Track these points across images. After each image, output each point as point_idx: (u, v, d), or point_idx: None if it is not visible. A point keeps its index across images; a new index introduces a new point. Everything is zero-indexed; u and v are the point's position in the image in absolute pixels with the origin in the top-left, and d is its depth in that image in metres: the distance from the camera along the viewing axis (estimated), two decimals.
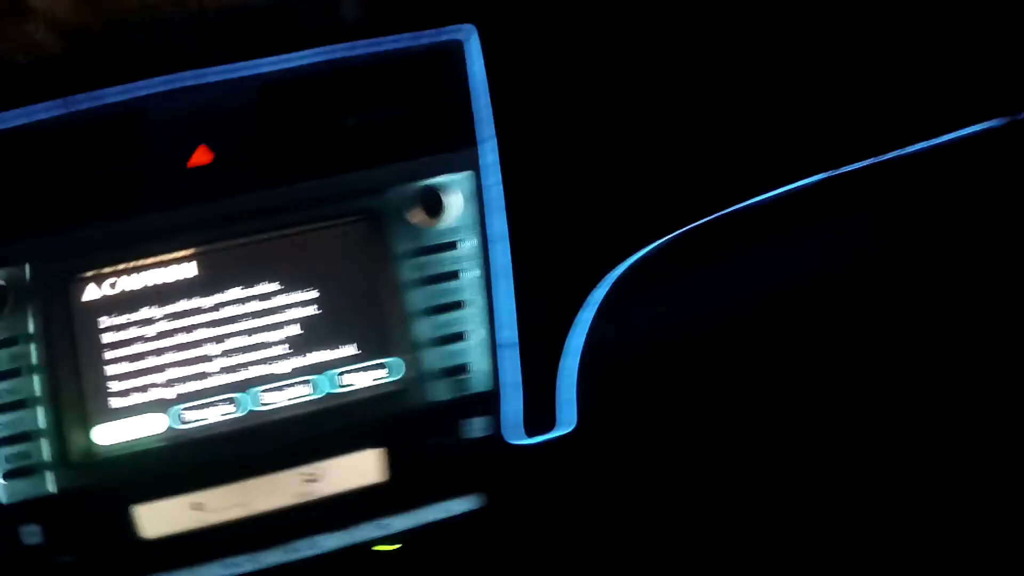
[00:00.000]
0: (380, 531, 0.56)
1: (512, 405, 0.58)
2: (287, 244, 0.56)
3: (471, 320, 0.57)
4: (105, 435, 0.53)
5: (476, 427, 0.57)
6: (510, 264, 0.58)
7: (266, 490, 0.55)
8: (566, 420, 0.59)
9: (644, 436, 0.61)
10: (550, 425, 0.58)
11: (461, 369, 0.57)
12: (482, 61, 0.59)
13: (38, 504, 0.52)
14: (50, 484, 0.52)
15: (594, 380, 0.58)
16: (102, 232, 0.55)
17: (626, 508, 0.61)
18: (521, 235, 0.58)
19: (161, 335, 0.54)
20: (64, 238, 0.54)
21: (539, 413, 0.58)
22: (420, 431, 0.56)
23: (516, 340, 0.57)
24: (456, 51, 0.59)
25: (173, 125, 0.56)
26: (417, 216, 0.58)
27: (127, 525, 0.53)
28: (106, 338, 0.54)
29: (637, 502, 0.61)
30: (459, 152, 0.58)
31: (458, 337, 0.57)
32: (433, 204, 0.58)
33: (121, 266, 0.55)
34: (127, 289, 0.54)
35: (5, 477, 0.52)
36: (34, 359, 0.53)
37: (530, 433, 0.58)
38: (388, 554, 0.57)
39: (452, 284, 0.57)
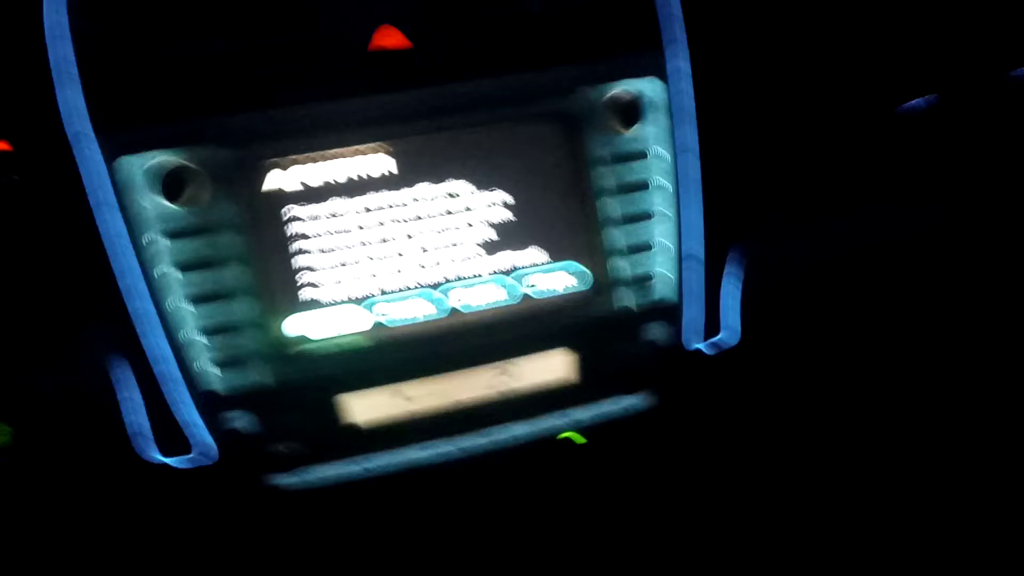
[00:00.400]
0: (565, 422, 0.60)
1: (693, 314, 0.61)
2: (478, 141, 0.57)
3: (659, 230, 0.59)
4: (307, 328, 0.55)
5: (657, 333, 0.60)
6: (699, 176, 0.59)
7: (464, 383, 0.58)
8: (735, 332, 0.62)
9: (799, 355, 0.65)
10: (720, 334, 0.61)
11: (646, 278, 0.59)
12: None
13: (253, 394, 0.54)
14: (264, 375, 0.54)
15: (760, 297, 0.61)
16: (291, 118, 0.54)
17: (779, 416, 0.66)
18: (710, 147, 0.58)
19: (356, 229, 0.55)
20: (254, 123, 0.54)
21: (712, 323, 0.61)
22: (605, 335, 0.59)
23: (702, 252, 0.59)
24: None
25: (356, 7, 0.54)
26: (609, 122, 0.58)
27: (337, 413, 0.56)
28: (301, 228, 0.54)
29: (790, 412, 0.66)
30: (650, 56, 0.58)
31: (645, 247, 0.59)
32: (626, 111, 0.58)
33: (312, 155, 0.54)
34: (319, 179, 0.54)
35: (221, 367, 0.54)
36: (235, 248, 0.53)
37: (705, 340, 0.61)
38: (573, 445, 0.62)
39: (641, 194, 0.59)
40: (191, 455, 0.55)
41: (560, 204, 0.58)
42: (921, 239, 0.66)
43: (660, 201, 0.59)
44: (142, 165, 0.51)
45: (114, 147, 0.51)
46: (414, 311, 0.57)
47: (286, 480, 0.57)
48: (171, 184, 0.52)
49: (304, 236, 0.54)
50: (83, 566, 0.60)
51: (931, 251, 0.67)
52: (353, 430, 0.57)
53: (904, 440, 0.69)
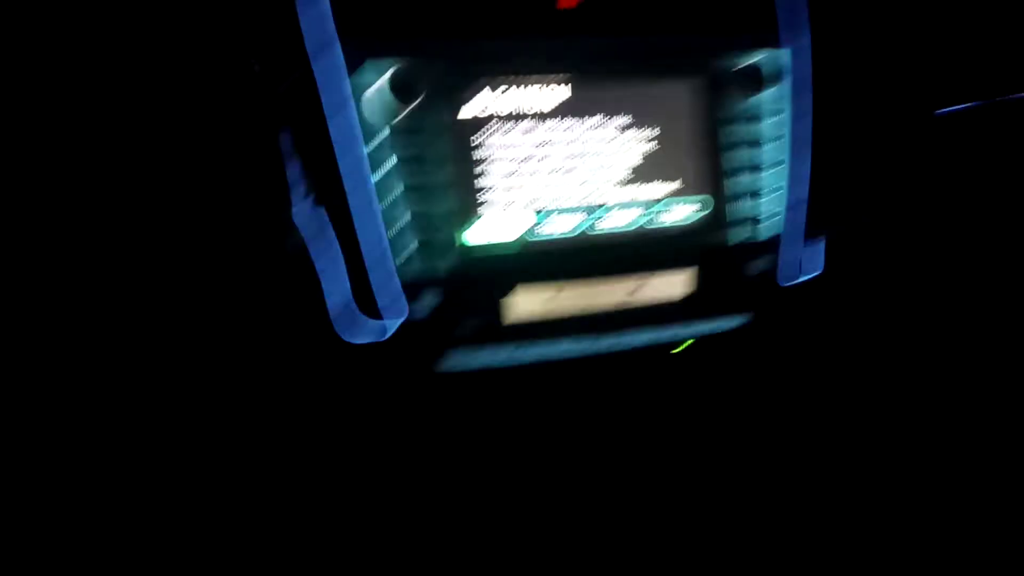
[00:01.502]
0: (682, 332, 0.73)
1: (792, 252, 0.74)
2: (635, 88, 0.67)
3: (773, 179, 0.71)
4: (480, 232, 0.65)
5: (761, 265, 0.73)
6: (810, 137, 0.71)
7: (603, 292, 0.69)
8: (817, 266, 0.75)
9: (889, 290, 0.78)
10: (813, 268, 0.74)
11: (758, 217, 0.72)
12: None
13: (432, 283, 0.64)
14: (442, 267, 0.64)
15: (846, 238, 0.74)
16: (498, 49, 0.64)
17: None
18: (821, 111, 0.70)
19: (533, 149, 0.65)
20: (471, 49, 0.63)
21: (808, 259, 0.74)
22: (721, 260, 0.71)
23: (806, 200, 0.71)
24: None
25: None
26: (740, 87, 0.69)
27: (501, 306, 0.67)
28: (489, 143, 0.64)
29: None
30: (775, 34, 0.70)
31: (764, 191, 0.71)
32: (753, 79, 0.69)
33: (509, 80, 0.64)
34: (508, 101, 0.64)
35: (423, 261, 0.63)
36: (439, 151, 0.62)
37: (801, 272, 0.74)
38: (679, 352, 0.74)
39: (766, 147, 0.71)
40: (398, 319, 0.64)
41: (695, 150, 0.69)
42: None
43: (779, 152, 0.71)
44: (383, 69, 0.60)
45: (360, 51, 0.60)
46: (564, 226, 0.67)
47: (452, 364, 0.68)
48: (404, 88, 0.60)
49: (488, 151, 0.64)
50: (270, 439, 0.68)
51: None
52: (510, 322, 0.68)
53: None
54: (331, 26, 0.59)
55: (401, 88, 0.61)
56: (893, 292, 0.77)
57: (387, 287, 0.64)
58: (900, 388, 0.79)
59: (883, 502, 0.75)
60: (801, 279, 0.74)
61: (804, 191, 0.72)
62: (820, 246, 0.74)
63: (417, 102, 0.61)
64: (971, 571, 0.73)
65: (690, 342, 0.73)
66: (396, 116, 0.61)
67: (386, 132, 0.62)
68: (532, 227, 0.66)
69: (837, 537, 0.73)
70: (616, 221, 0.68)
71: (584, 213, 0.68)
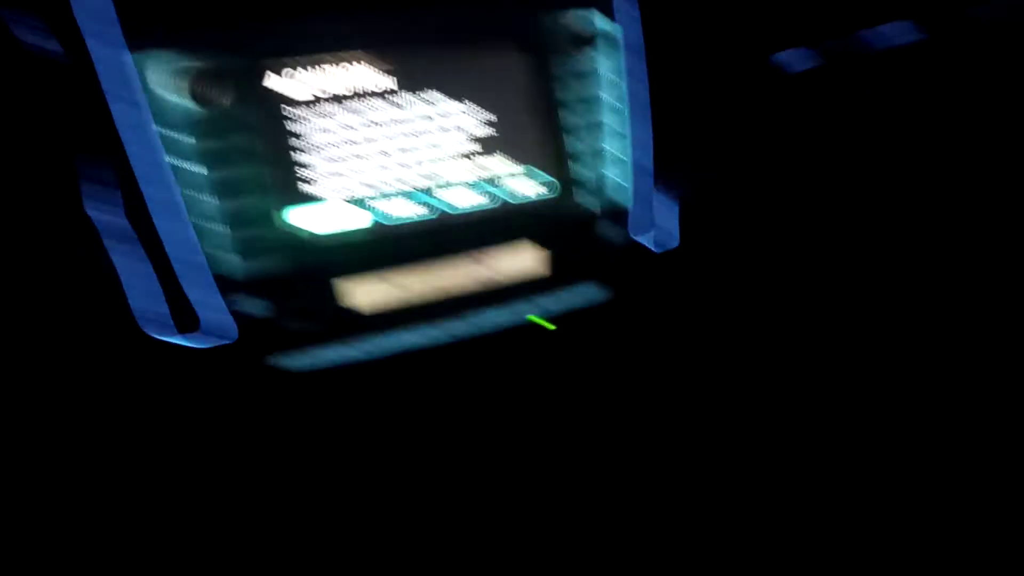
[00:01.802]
0: (536, 309, 0.71)
1: (640, 216, 0.72)
2: (454, 58, 0.65)
3: (613, 143, 0.70)
4: (313, 222, 0.62)
5: (611, 232, 0.71)
6: (648, 97, 0.70)
7: (456, 274, 0.66)
8: (673, 235, 0.74)
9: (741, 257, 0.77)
10: (668, 240, 0.73)
11: (602, 184, 0.70)
12: None
13: (263, 280, 0.60)
14: (276, 263, 0.60)
15: (698, 207, 0.74)
16: (296, 31, 0.60)
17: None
18: (660, 72, 0.70)
19: (356, 133, 0.62)
20: (265, 33, 0.59)
21: (660, 230, 0.73)
22: (569, 232, 0.69)
23: (650, 163, 0.71)
24: None
25: None
26: (569, 46, 0.68)
27: (339, 298, 0.63)
28: (309, 131, 0.61)
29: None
30: None
31: (602, 157, 0.70)
32: (581, 36, 0.68)
33: (312, 62, 0.61)
34: (324, 85, 0.61)
35: (236, 254, 0.59)
36: (250, 146, 0.59)
37: (650, 240, 0.73)
38: (542, 331, 0.71)
39: (598, 110, 0.69)
40: (208, 335, 0.60)
41: (531, 122, 0.67)
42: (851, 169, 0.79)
43: (613, 117, 0.70)
44: (168, 65, 0.56)
45: (142, 44, 0.56)
46: (407, 210, 0.64)
47: (295, 362, 0.64)
48: (194, 84, 0.57)
49: (308, 137, 0.61)
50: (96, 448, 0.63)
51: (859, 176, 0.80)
52: (354, 314, 0.64)
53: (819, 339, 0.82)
54: (113, 13, 0.55)
55: (197, 78, 0.57)
56: (751, 259, 0.78)
57: (200, 284, 0.59)
58: (762, 358, 0.80)
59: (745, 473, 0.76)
60: (657, 250, 0.74)
61: (648, 157, 0.71)
62: (672, 214, 0.74)
63: (217, 91, 0.57)
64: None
65: (547, 323, 0.71)
66: (197, 105, 0.57)
67: (188, 123, 0.57)
68: (365, 212, 0.63)
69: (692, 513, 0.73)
70: (456, 200, 0.66)
71: (422, 194, 0.65)
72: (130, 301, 0.58)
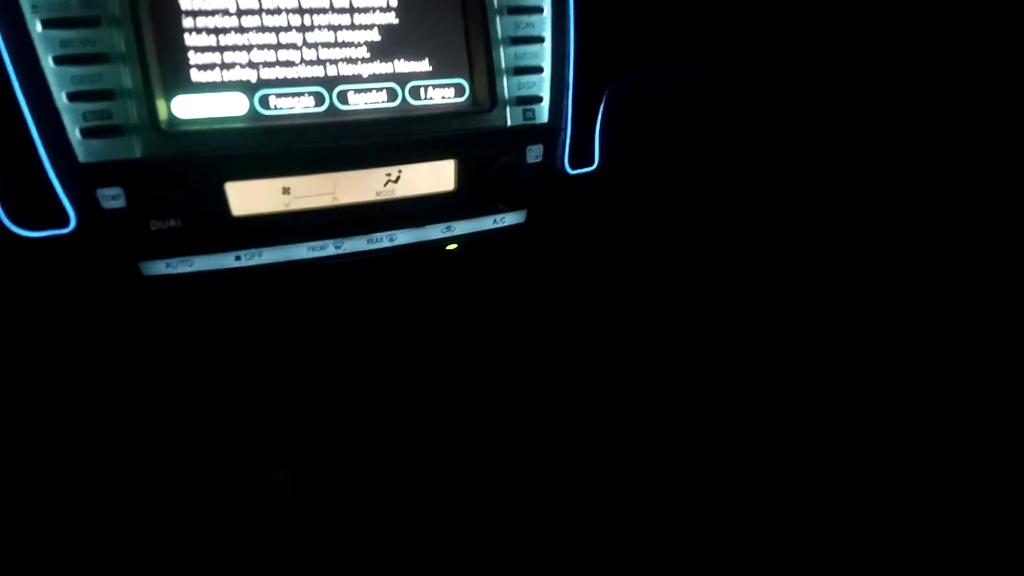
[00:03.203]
0: (445, 233, 0.63)
1: (564, 139, 0.66)
2: None
3: (538, 57, 0.63)
4: (188, 107, 0.53)
5: (534, 153, 0.65)
6: (574, 13, 0.63)
7: (349, 184, 0.59)
8: (595, 160, 0.68)
9: (658, 185, 0.72)
10: (587, 162, 0.67)
11: (525, 99, 0.63)
12: None
13: (118, 167, 0.52)
14: (132, 148, 0.52)
15: (619, 133, 0.68)
16: None
17: (636, 237, 0.73)
18: None
19: (244, 13, 0.54)
20: None
21: (579, 151, 0.67)
22: (485, 149, 0.62)
23: (572, 82, 0.64)
24: None
25: None
26: None
27: (215, 200, 0.55)
28: (188, 3, 0.52)
29: (647, 234, 0.73)
30: None
31: (525, 70, 0.63)
32: None
33: None
34: None
35: (83, 135, 0.51)
36: (114, 10, 0.50)
37: (572, 166, 0.67)
38: (448, 254, 0.64)
39: (529, 18, 0.62)
40: (48, 229, 0.51)
41: (448, 18, 0.60)
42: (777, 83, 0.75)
43: (543, 26, 0.63)
44: None
45: None
46: (296, 103, 0.56)
47: (156, 268, 0.55)
48: None
49: (188, 11, 0.52)
50: None
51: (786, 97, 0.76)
52: (230, 220, 0.56)
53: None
54: None
55: None
56: (672, 181, 0.73)
57: (64, 170, 0.51)
58: (678, 286, 0.75)
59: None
60: (574, 172, 0.68)
61: (571, 73, 0.65)
62: (593, 136, 0.68)
63: None
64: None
65: (455, 246, 0.65)
66: None
67: None
68: (256, 103, 0.55)
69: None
70: (352, 99, 0.58)
71: (320, 88, 0.57)
72: None
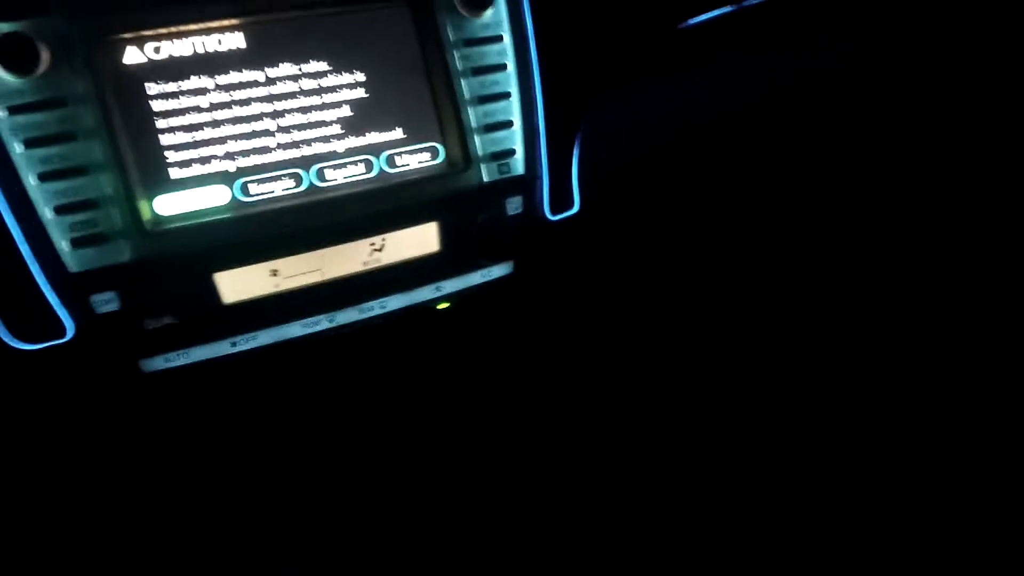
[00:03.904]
0: (435, 293, 0.64)
1: (542, 187, 0.67)
2: (334, 23, 0.58)
3: (507, 110, 0.64)
4: (171, 205, 0.54)
5: (510, 205, 0.66)
6: (539, 60, 0.64)
7: (336, 258, 0.60)
8: (575, 203, 0.69)
9: (639, 220, 0.73)
10: (567, 206, 0.68)
11: (497, 154, 0.64)
12: None
13: (109, 272, 0.53)
14: (121, 253, 0.53)
15: (596, 173, 0.69)
16: None
17: (624, 274, 0.74)
18: (549, 34, 0.64)
19: (215, 107, 0.55)
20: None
21: (557, 197, 0.68)
22: (465, 208, 0.63)
23: (544, 130, 0.65)
24: None
25: None
26: (462, 6, 0.61)
27: (206, 292, 0.56)
28: (159, 105, 0.54)
29: (634, 270, 0.74)
30: None
31: (496, 125, 0.64)
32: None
33: (165, 30, 0.54)
34: (175, 55, 0.54)
35: (73, 245, 0.52)
36: (88, 122, 0.51)
37: (552, 212, 0.68)
38: (441, 312, 0.65)
39: (491, 76, 0.63)
40: (48, 340, 0.53)
41: (418, 85, 0.61)
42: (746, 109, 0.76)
43: (508, 82, 0.64)
44: None
45: None
46: (277, 187, 0.57)
47: (155, 364, 0.56)
48: (13, 55, 0.49)
49: (160, 112, 0.54)
50: None
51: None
52: (222, 309, 0.57)
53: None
54: None
55: (13, 55, 0.49)
56: (653, 224, 0.74)
57: (57, 280, 0.52)
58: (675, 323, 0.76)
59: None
60: (555, 218, 0.69)
61: (542, 120, 0.65)
62: (571, 180, 0.69)
63: (40, 67, 0.49)
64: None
65: (446, 305, 0.66)
66: (16, 88, 0.49)
67: (3, 111, 0.49)
68: (237, 192, 0.56)
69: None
70: (331, 175, 0.59)
71: (298, 170, 0.58)
72: None
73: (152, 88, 0.53)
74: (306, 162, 0.58)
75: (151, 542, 0.61)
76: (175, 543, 0.61)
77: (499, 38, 0.63)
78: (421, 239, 0.63)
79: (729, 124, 0.74)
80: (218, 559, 0.62)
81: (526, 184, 0.66)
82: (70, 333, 0.53)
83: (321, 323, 0.61)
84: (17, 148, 0.50)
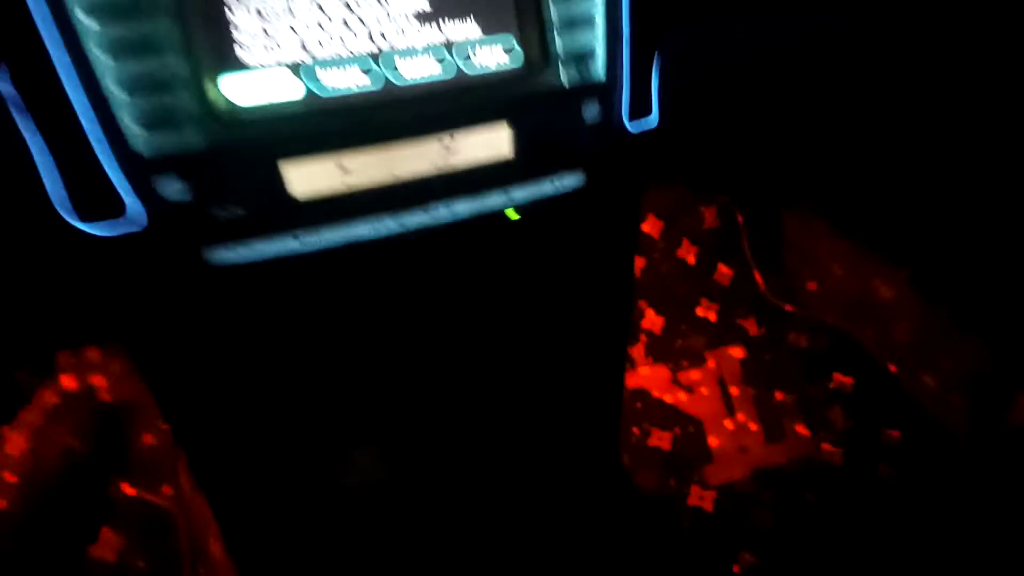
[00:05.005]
0: (504, 199, 0.62)
1: (621, 94, 0.63)
2: None
3: (593, 10, 0.60)
4: (242, 93, 0.53)
5: (591, 112, 0.62)
6: None
7: (406, 157, 0.58)
8: (655, 116, 0.66)
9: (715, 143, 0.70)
10: (646, 115, 0.65)
11: (579, 57, 0.61)
12: None
13: (182, 160, 0.52)
14: (193, 139, 0.52)
15: (678, 84, 0.65)
16: None
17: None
18: None
19: None
20: None
21: (637, 107, 0.64)
22: (540, 111, 0.60)
23: (628, 35, 0.61)
24: None
25: None
26: None
27: (276, 184, 0.55)
28: None
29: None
30: None
31: (579, 25, 0.60)
32: None
33: None
34: None
35: (146, 128, 0.51)
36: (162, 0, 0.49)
37: (631, 121, 0.64)
38: (510, 222, 0.64)
39: None
40: (117, 221, 0.52)
41: None
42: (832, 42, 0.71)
43: None
44: None
45: None
46: (348, 81, 0.56)
47: (221, 254, 0.56)
48: None
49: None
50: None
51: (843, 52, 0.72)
52: (292, 202, 0.56)
53: None
54: None
55: None
56: (733, 139, 0.70)
57: (123, 165, 0.51)
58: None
59: None
60: (635, 130, 0.65)
61: (628, 25, 0.61)
62: (650, 91, 0.65)
63: None
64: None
65: (512, 213, 0.63)
66: None
67: None
68: (309, 82, 0.54)
69: None
70: (405, 71, 0.56)
71: (364, 63, 0.56)
72: (47, 183, 0.50)
73: None
74: (381, 56, 0.56)
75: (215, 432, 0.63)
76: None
77: None
78: (493, 142, 0.60)
79: (812, 56, 0.69)
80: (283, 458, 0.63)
81: (605, 90, 0.62)
82: (143, 222, 0.53)
83: (388, 224, 0.59)
84: (88, 21, 0.48)
